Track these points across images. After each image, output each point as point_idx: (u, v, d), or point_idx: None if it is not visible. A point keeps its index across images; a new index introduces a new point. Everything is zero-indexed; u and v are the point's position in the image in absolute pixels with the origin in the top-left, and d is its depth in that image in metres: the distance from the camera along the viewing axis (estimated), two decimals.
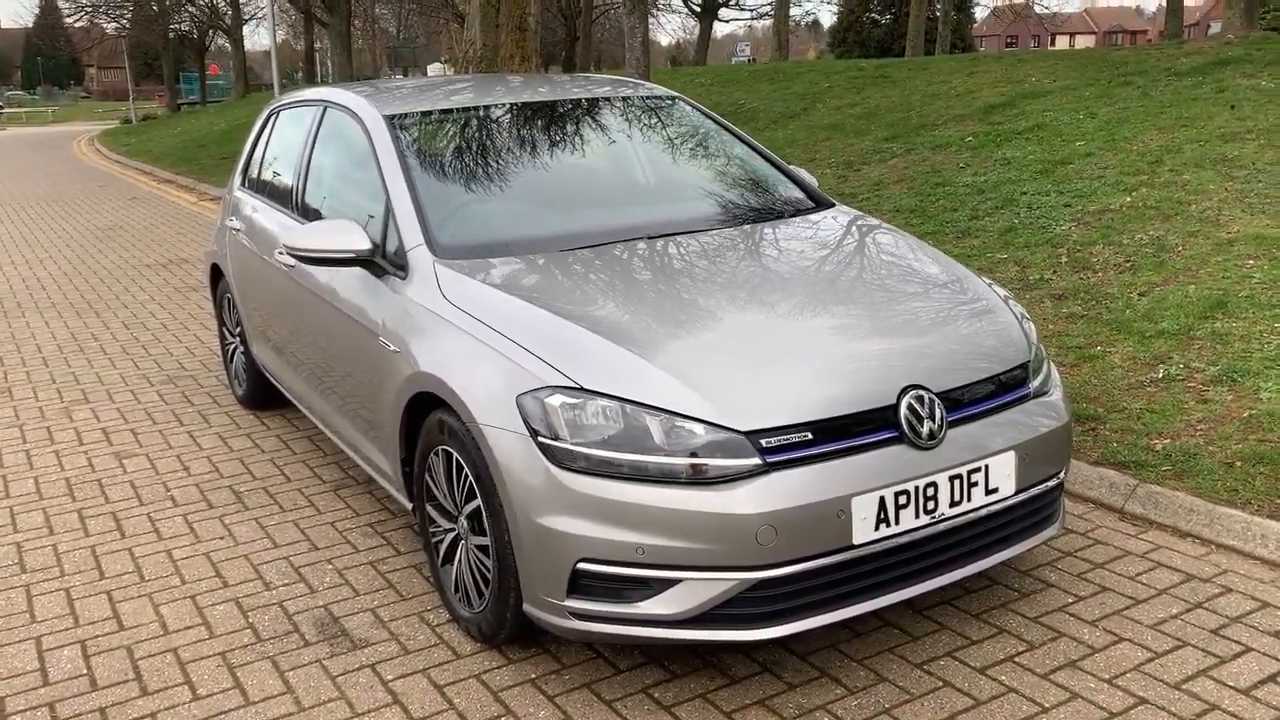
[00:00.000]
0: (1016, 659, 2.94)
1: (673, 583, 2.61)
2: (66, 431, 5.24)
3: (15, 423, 5.37)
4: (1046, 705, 2.73)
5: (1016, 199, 7.28)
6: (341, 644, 3.17)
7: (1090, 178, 7.33)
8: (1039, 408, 3.06)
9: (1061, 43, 59.95)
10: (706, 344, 2.87)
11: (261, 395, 5.32)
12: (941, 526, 2.77)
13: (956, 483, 2.78)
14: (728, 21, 42.89)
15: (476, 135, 4.04)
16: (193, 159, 21.08)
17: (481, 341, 2.96)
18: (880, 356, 2.88)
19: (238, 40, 39.35)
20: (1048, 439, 3.01)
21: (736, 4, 32.68)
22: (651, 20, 33.09)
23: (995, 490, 2.86)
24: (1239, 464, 3.82)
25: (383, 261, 3.49)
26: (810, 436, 2.65)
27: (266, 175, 4.96)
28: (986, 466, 2.83)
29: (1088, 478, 3.94)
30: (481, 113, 4.12)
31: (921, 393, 2.78)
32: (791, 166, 4.34)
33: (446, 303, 3.17)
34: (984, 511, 2.85)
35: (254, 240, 4.75)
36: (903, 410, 2.74)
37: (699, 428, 2.61)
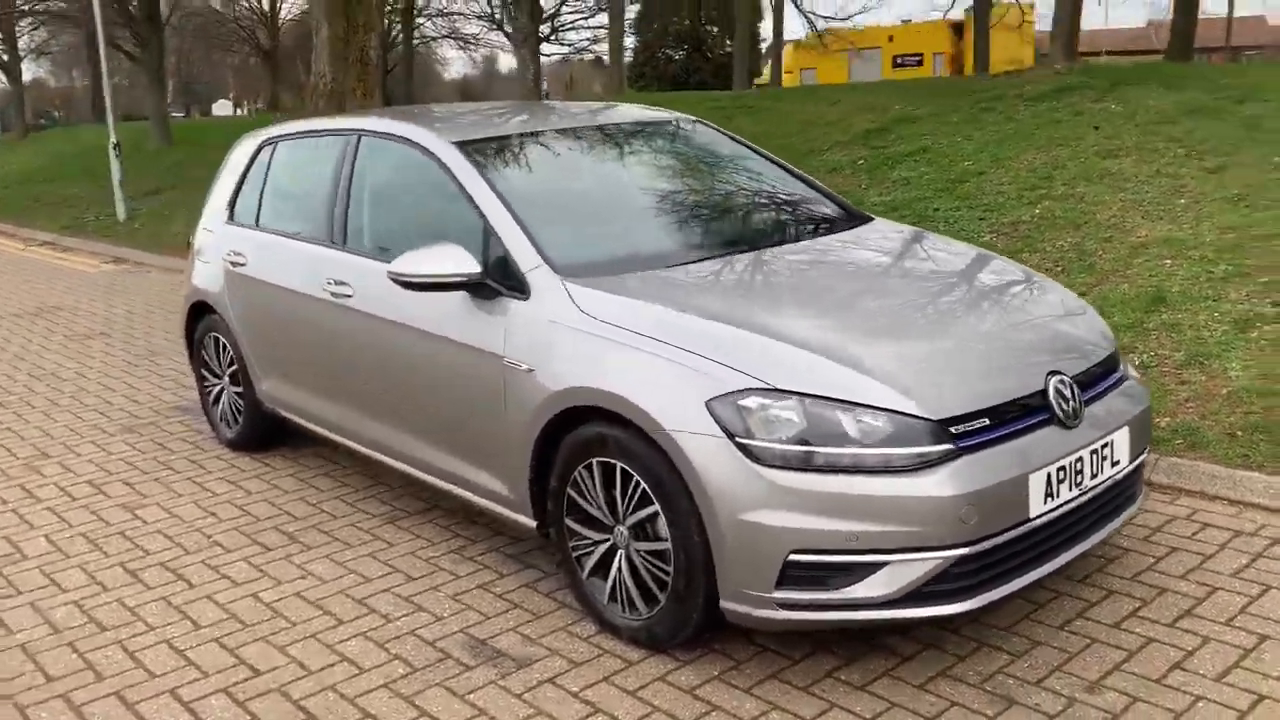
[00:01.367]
0: (1139, 614, 3.26)
1: (879, 566, 2.79)
2: (46, 488, 4.88)
3: None
4: (1188, 649, 3.06)
5: (931, 215, 7.85)
6: (505, 664, 3.17)
7: (993, 194, 7.98)
8: (1131, 389, 3.42)
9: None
10: (870, 342, 3.07)
11: (258, 436, 5.13)
12: (1086, 497, 3.07)
13: (1094, 456, 3.08)
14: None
15: (548, 158, 4.11)
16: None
17: (648, 353, 3.05)
18: (1025, 347, 3.17)
19: (16, 77, 36.66)
20: (1142, 416, 3.38)
21: (557, 39, 33.10)
22: (451, 53, 32.96)
23: (1118, 462, 3.19)
24: (1240, 434, 4.33)
25: (494, 284, 3.51)
26: (988, 422, 2.90)
27: (279, 208, 4.82)
28: (1112, 441, 3.16)
29: None
30: (544, 137, 4.19)
31: (1062, 378, 3.08)
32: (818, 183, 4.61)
33: (589, 318, 3.24)
34: (1110, 482, 3.17)
35: (275, 274, 4.60)
36: (1051, 394, 3.03)
37: (894, 419, 2.81)
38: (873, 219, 4.33)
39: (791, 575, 2.81)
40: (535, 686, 3.04)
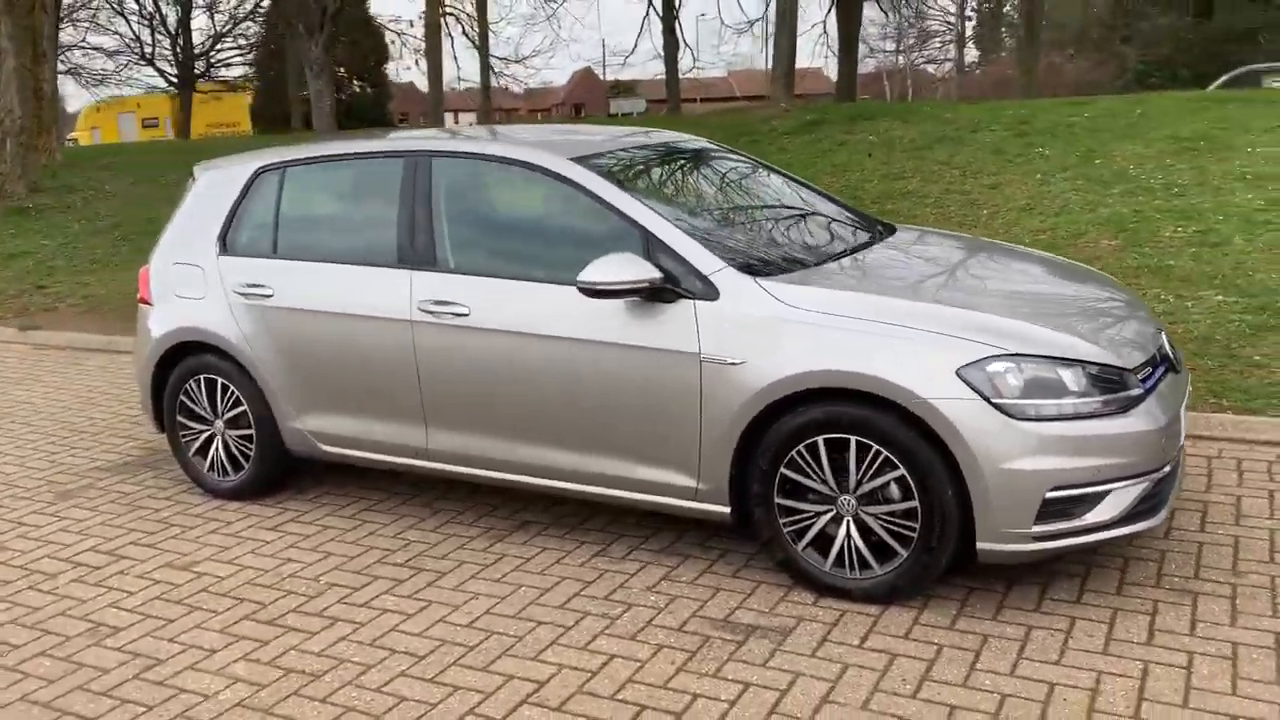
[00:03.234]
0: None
1: (1106, 494, 3.37)
2: (70, 535, 4.29)
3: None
4: None
5: None
6: (770, 635, 3.39)
7: None
8: None
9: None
10: (1042, 315, 3.66)
11: (268, 482, 4.81)
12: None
13: (1186, 400, 3.88)
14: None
15: (650, 172, 4.32)
16: None
17: (881, 335, 3.43)
18: (1134, 315, 3.92)
19: None
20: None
21: (209, 76, 31.21)
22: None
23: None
24: None
25: (675, 287, 3.71)
26: (1150, 370, 3.58)
27: (310, 235, 4.59)
28: (1189, 391, 3.98)
29: None
30: (638, 153, 4.39)
31: (1164, 336, 3.85)
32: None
33: (800, 310, 3.56)
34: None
35: (326, 302, 4.39)
36: (1166, 348, 3.78)
37: (1105, 370, 3.41)
38: (895, 226, 4.95)
39: (1046, 511, 3.31)
40: (820, 645, 3.30)
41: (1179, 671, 3.06)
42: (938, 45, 52.33)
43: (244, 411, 4.73)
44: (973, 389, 3.30)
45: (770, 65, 14.59)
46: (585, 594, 3.75)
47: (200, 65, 32.69)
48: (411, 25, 30.15)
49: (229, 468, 4.85)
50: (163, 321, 4.88)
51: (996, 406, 3.29)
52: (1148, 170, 8.75)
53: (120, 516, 4.75)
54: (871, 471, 3.46)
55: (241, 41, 33.95)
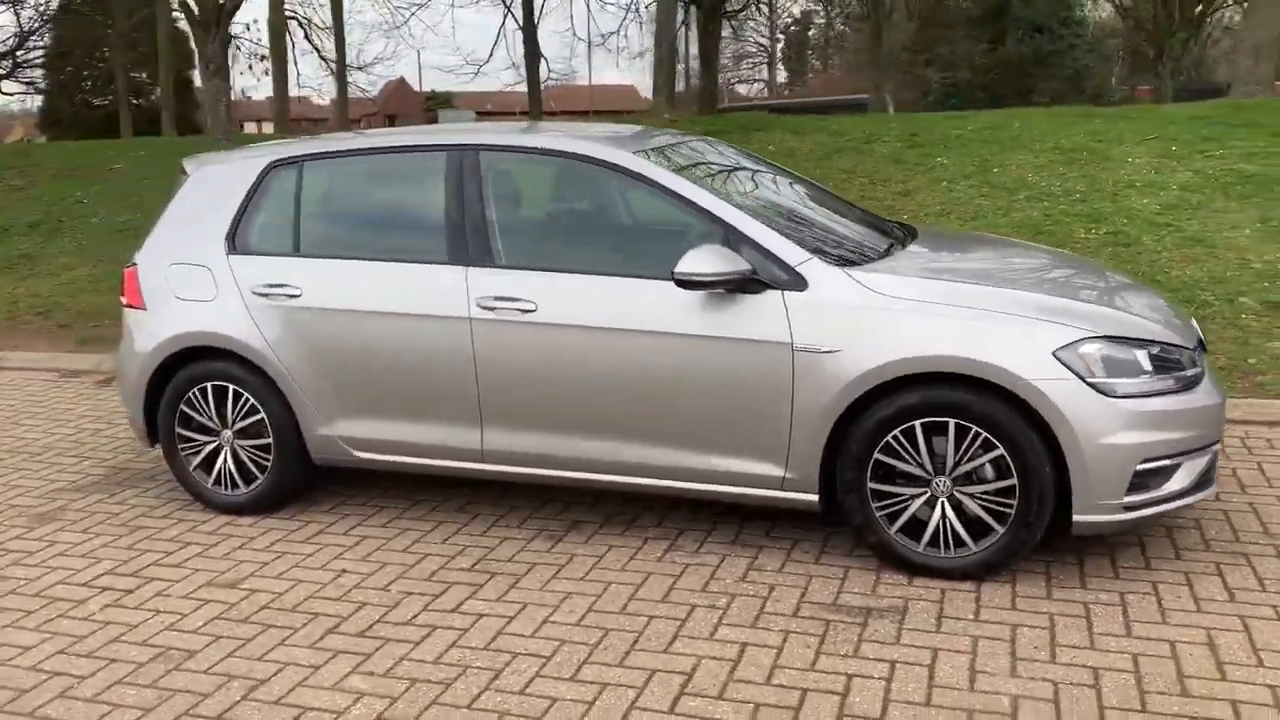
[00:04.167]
0: None
1: (1179, 465, 3.62)
2: (74, 559, 3.93)
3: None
4: None
5: None
6: (888, 614, 3.47)
7: None
8: None
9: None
10: (1100, 300, 3.90)
11: (284, 494, 4.55)
12: None
13: None
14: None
15: (696, 167, 4.33)
16: None
17: (978, 321, 3.58)
18: (1169, 302, 4.23)
19: None
20: None
21: (16, 77, 28.88)
22: None
23: None
24: None
25: (762, 279, 3.75)
26: (1201, 351, 3.88)
27: (341, 233, 4.39)
28: None
29: None
30: (673, 149, 4.40)
31: (1191, 320, 4.18)
32: None
33: (893, 298, 3.67)
34: None
35: (369, 302, 4.19)
36: (1198, 330, 4.10)
37: (1174, 349, 3.67)
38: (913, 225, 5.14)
39: (1135, 483, 3.53)
40: (940, 621, 3.41)
41: (1275, 624, 3.32)
42: (749, 65, 54.45)
43: (260, 420, 4.46)
44: (1070, 370, 3.49)
45: (654, 75, 14.81)
46: (680, 587, 3.73)
47: (6, 65, 30.30)
48: (248, 29, 28.82)
49: (239, 481, 4.56)
50: (162, 326, 4.55)
51: (1092, 386, 3.49)
52: (1044, 178, 9.37)
53: (122, 538, 4.39)
54: (970, 453, 3.60)
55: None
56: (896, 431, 3.64)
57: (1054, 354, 3.51)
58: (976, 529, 3.66)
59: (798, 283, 3.74)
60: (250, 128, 47.80)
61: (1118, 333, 3.61)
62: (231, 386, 4.47)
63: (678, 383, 3.84)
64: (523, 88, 22.22)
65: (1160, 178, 8.98)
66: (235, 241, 4.51)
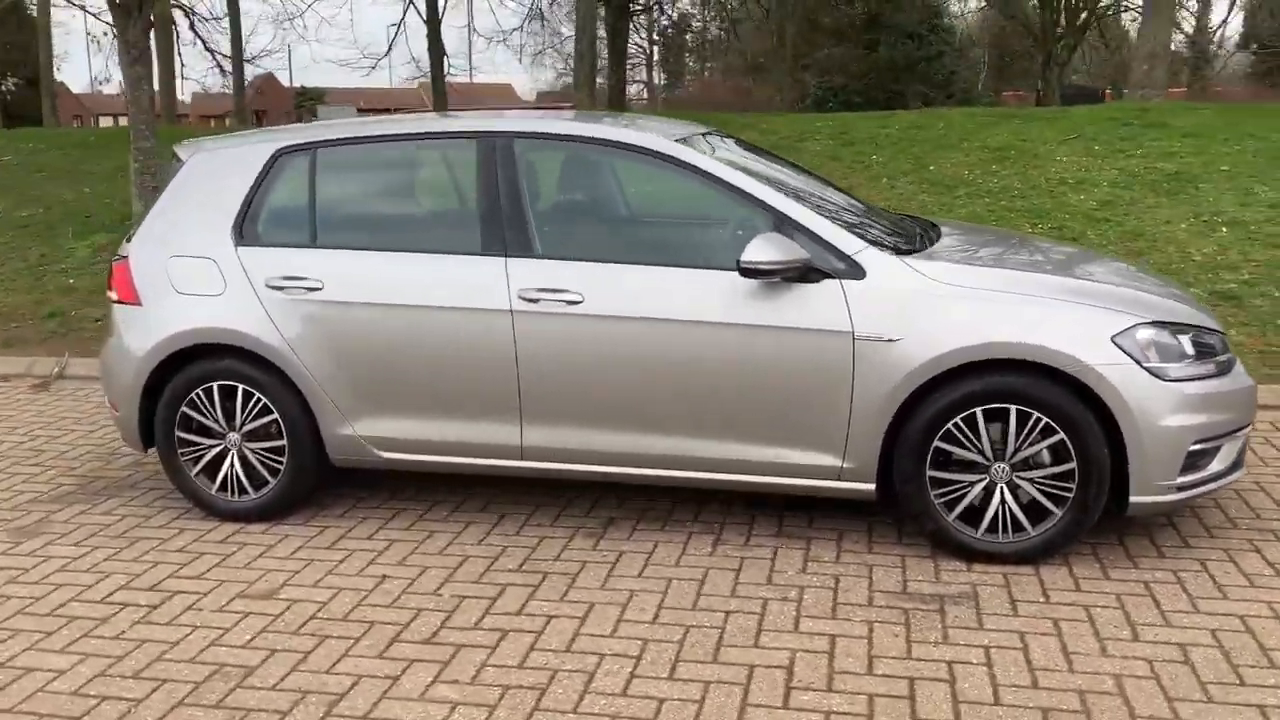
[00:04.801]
0: None
1: (1220, 447, 3.75)
2: (79, 575, 3.64)
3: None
4: None
5: None
6: (963, 600, 3.49)
7: None
8: None
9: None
10: (1132, 289, 4.00)
11: (296, 498, 4.33)
12: None
13: None
14: None
15: (735, 158, 4.27)
16: None
17: (1039, 308, 3.64)
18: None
19: None
20: None
21: None
22: None
23: None
24: None
25: (820, 267, 3.73)
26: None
27: (365, 223, 4.19)
28: None
29: None
30: (706, 139, 4.34)
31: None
32: None
33: (953, 286, 3.70)
34: None
35: (401, 295, 4.00)
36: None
37: (1213, 335, 3.80)
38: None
39: (1187, 464, 3.64)
40: (1014, 604, 3.44)
41: None
42: (629, 66, 54.73)
43: (273, 421, 4.22)
44: (1128, 354, 3.57)
45: (574, 70, 14.69)
46: (745, 581, 3.68)
47: None
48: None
49: (248, 486, 4.30)
50: (162, 323, 4.26)
51: (1148, 370, 3.58)
52: (979, 176, 9.64)
53: (124, 550, 4.10)
54: (1030, 438, 3.65)
55: None
56: (958, 418, 3.67)
57: (1112, 339, 3.59)
58: (1033, 513, 3.71)
59: (856, 271, 3.74)
60: (105, 122, 45.50)
61: (1166, 318, 3.71)
62: (241, 386, 4.22)
63: (734, 374, 3.79)
64: (405, 84, 21.64)
65: (1090, 175, 9.35)
66: (243, 232, 4.25)
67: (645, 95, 51.92)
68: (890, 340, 3.67)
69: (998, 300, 3.67)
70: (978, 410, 3.65)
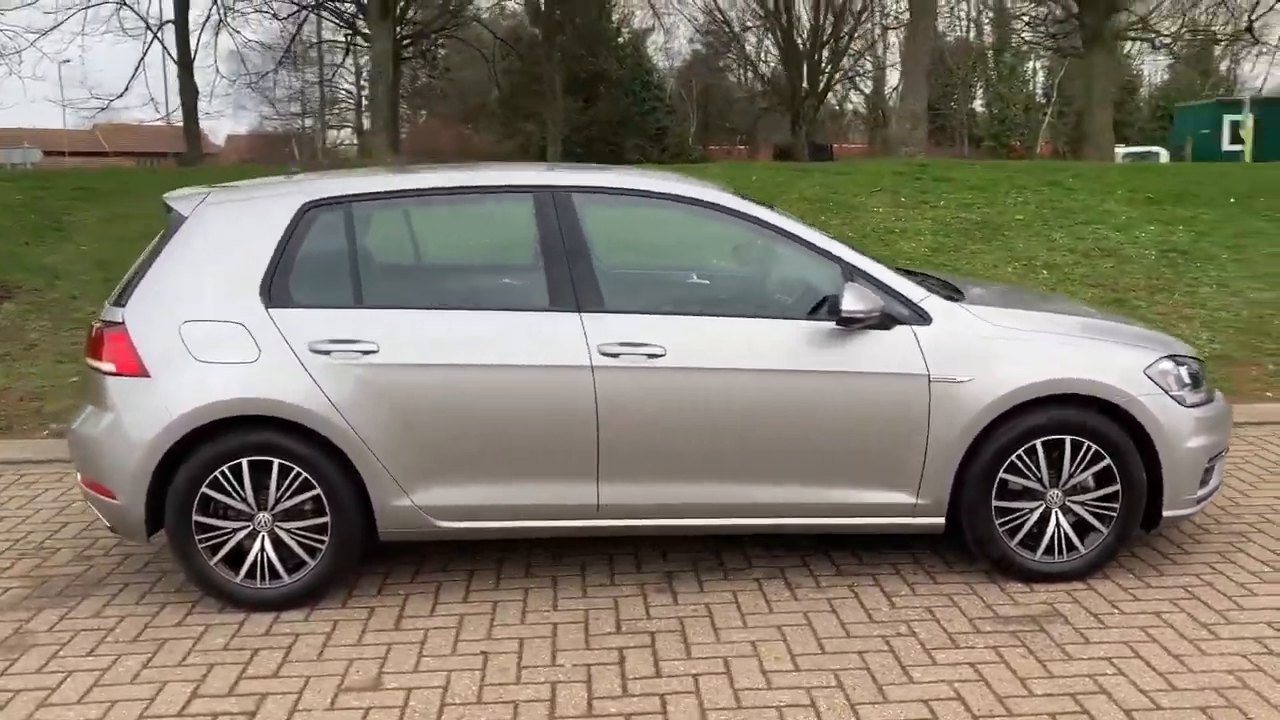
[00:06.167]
0: None
1: (1215, 465, 4.30)
2: (120, 689, 3.20)
3: None
4: None
5: None
6: (1056, 621, 3.77)
7: None
8: None
9: None
10: (1136, 327, 4.52)
11: (333, 580, 4.01)
12: None
13: None
14: None
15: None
16: None
17: (1084, 348, 4.05)
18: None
19: None
20: None
21: None
22: None
23: None
24: None
25: (892, 315, 3.96)
26: None
27: (406, 282, 4.02)
28: None
29: None
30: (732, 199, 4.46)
31: None
32: None
33: (1010, 329, 4.03)
34: None
35: (464, 355, 3.83)
36: None
37: (1199, 364, 4.35)
38: None
39: (1203, 480, 4.15)
40: (1097, 618, 3.77)
41: None
42: (338, 111, 53.59)
43: (314, 496, 3.89)
44: (1158, 385, 4.04)
45: (371, 118, 14.22)
46: (849, 621, 3.80)
47: None
48: None
49: (281, 571, 3.93)
50: (181, 395, 3.82)
51: (1173, 398, 4.06)
52: (816, 221, 10.29)
53: (159, 653, 3.64)
54: (1081, 465, 4.03)
55: None
56: (1021, 451, 3.99)
57: (1144, 372, 4.04)
58: (1081, 533, 4.08)
59: (923, 318, 3.99)
60: None
61: (1177, 352, 4.22)
62: (277, 460, 3.86)
63: (814, 419, 3.92)
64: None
65: (911, 224, 10.24)
66: (273, 294, 3.91)
67: (355, 140, 50.71)
68: (962, 381, 3.93)
69: (1049, 341, 4.04)
70: (1038, 442, 3.98)
